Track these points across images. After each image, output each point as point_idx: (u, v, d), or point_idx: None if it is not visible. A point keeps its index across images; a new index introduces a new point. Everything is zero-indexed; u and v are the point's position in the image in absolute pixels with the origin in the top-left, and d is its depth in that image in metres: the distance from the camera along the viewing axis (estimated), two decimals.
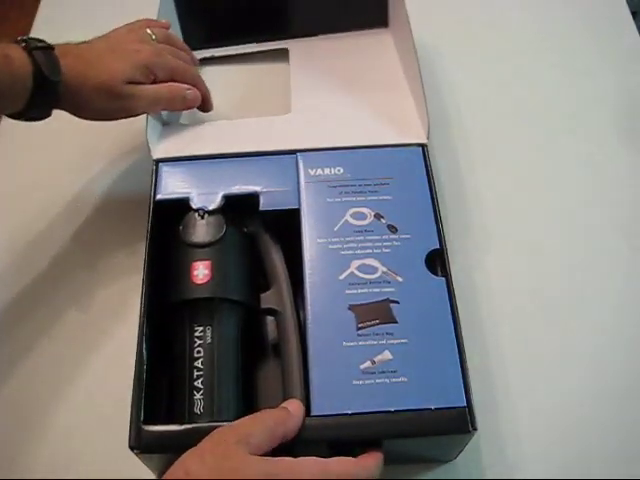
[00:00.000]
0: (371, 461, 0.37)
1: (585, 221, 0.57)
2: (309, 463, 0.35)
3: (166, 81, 0.51)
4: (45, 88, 0.45)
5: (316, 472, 0.35)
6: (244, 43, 0.65)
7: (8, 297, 0.52)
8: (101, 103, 0.48)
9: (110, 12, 0.72)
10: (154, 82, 0.50)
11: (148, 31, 0.53)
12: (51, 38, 0.69)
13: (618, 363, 0.49)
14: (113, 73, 0.48)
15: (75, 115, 0.49)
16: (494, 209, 0.57)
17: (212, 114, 0.56)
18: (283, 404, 0.38)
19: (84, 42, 0.50)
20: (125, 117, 0.50)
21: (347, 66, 0.60)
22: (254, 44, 0.64)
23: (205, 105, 0.55)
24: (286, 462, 0.35)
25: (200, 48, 0.63)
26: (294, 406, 0.38)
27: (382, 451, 0.38)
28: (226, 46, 0.65)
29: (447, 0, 0.71)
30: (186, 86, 0.51)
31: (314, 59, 0.62)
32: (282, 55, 0.63)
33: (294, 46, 0.64)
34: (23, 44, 0.45)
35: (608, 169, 0.60)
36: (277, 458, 0.35)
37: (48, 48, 0.46)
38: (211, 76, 0.60)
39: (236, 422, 0.36)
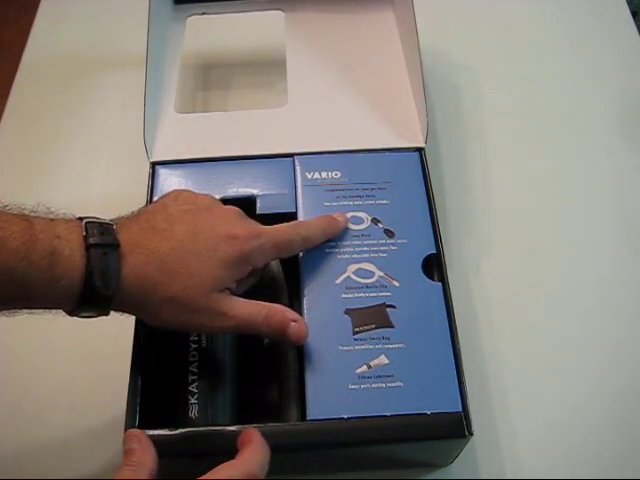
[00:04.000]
0: (249, 454, 0.35)
1: (585, 222, 0.56)
2: None
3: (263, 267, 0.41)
4: (94, 300, 0.36)
5: None
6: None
7: None
8: (172, 317, 0.37)
9: (111, 11, 0.72)
10: (251, 273, 0.40)
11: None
12: (52, 37, 0.71)
13: (618, 367, 0.49)
14: (195, 281, 0.37)
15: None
16: (494, 211, 0.57)
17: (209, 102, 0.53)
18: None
19: (163, 210, 0.39)
20: (203, 332, 0.41)
21: (347, 52, 0.59)
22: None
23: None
24: None
25: (192, 1, 0.61)
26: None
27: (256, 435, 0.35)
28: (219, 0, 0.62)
29: (447, 1, 0.71)
30: (292, 315, 0.40)
31: (312, 38, 0.60)
32: (278, 22, 0.61)
33: (291, 15, 0.61)
34: (84, 232, 0.36)
35: (608, 169, 0.59)
36: None
37: (110, 245, 0.36)
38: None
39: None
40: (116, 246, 0.36)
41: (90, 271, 0.35)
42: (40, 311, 0.36)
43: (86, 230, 0.36)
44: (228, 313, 0.38)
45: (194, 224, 0.39)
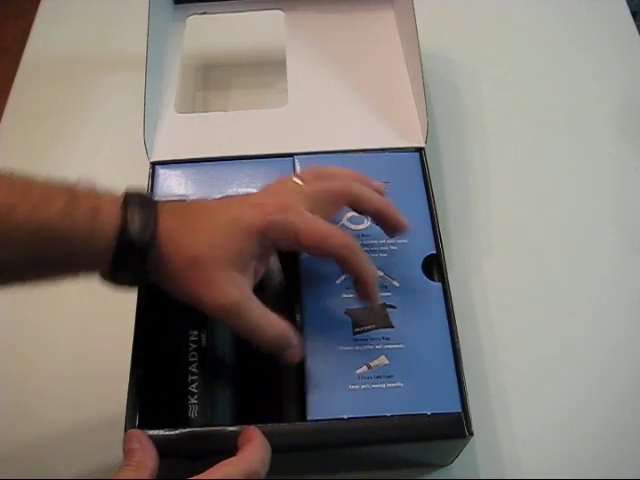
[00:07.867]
0: (250, 452, 0.35)
1: (586, 223, 0.56)
2: None
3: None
4: (130, 253, 0.36)
5: None
6: None
7: (6, 298, 0.52)
8: (183, 285, 0.37)
9: (111, 11, 0.72)
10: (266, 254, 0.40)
11: (296, 180, 0.41)
12: (51, 37, 0.71)
13: (618, 367, 0.49)
14: (210, 245, 0.37)
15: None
16: (494, 211, 0.57)
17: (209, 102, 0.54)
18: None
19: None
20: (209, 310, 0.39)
21: (347, 52, 0.59)
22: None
23: None
24: None
25: (192, 1, 0.61)
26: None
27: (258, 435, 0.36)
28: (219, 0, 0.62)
29: (447, 1, 0.71)
30: (296, 340, 0.39)
31: (312, 38, 0.60)
32: (278, 22, 0.61)
33: (291, 15, 0.61)
34: (125, 196, 0.38)
35: (608, 170, 0.59)
36: None
37: (149, 203, 0.38)
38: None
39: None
40: (153, 205, 0.38)
41: (126, 220, 0.36)
42: (80, 280, 0.38)
43: (127, 194, 0.38)
44: (237, 309, 0.37)
45: (228, 199, 0.42)
